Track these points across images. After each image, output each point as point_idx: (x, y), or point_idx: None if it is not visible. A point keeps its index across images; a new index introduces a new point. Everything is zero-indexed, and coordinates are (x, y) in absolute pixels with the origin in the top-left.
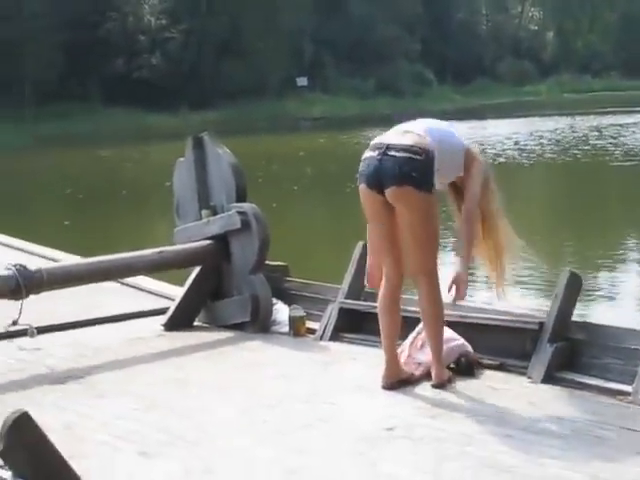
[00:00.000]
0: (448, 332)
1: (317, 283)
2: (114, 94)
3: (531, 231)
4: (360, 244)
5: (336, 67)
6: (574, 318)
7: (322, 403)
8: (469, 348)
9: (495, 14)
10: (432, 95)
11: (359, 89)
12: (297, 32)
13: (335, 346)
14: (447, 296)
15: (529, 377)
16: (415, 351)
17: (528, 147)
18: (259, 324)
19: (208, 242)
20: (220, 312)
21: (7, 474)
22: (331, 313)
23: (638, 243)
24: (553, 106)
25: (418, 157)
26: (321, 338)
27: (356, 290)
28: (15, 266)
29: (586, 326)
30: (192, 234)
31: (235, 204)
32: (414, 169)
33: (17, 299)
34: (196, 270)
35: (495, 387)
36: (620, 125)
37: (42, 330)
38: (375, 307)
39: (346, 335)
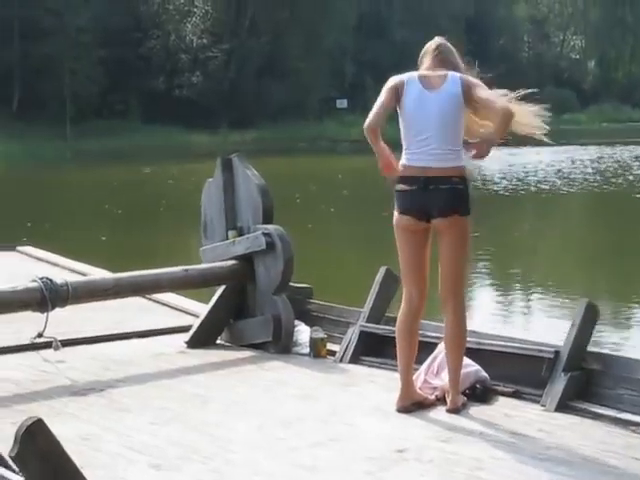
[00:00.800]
0: (463, 359)
1: (339, 306)
2: (154, 112)
3: (562, 258)
4: (383, 269)
5: (376, 89)
6: (590, 348)
7: (337, 423)
8: (484, 374)
9: (536, 42)
10: None
11: None
12: (338, 53)
13: (354, 368)
14: (467, 155)
15: (543, 405)
16: (431, 376)
17: (571, 175)
18: (281, 345)
19: (233, 262)
20: (243, 332)
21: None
22: (352, 336)
23: None
24: (593, 135)
25: (460, 187)
26: (341, 360)
27: (377, 314)
28: (42, 279)
29: (601, 356)
30: (218, 254)
31: (261, 225)
32: (459, 198)
33: (43, 312)
34: (220, 289)
35: (508, 414)
36: None
37: (67, 343)
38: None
39: (366, 358)
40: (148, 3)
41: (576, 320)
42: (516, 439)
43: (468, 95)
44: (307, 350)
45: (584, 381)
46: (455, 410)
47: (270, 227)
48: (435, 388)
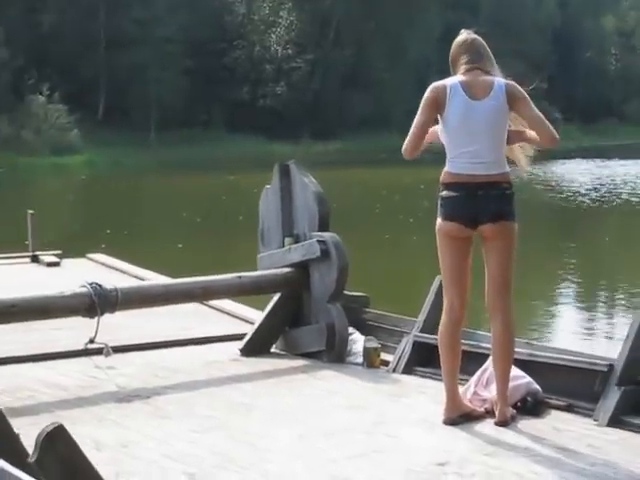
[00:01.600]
0: (514, 370)
1: (394, 315)
2: (238, 121)
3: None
4: (437, 278)
5: None
6: None
7: (381, 434)
8: (536, 386)
9: (624, 54)
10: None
11: None
12: (423, 64)
13: (406, 379)
14: None
15: (596, 420)
16: (481, 388)
17: None
18: (334, 353)
19: (288, 269)
20: (297, 340)
21: None
22: (405, 346)
23: None
24: None
25: (507, 192)
26: (394, 370)
27: (431, 324)
28: (91, 284)
29: None
30: (274, 261)
31: (316, 233)
32: (507, 204)
33: (92, 317)
34: (276, 297)
35: (558, 428)
36: None
37: (120, 349)
38: None
39: (419, 369)
40: (233, 14)
41: (630, 333)
42: (562, 454)
43: (512, 106)
44: (361, 359)
45: (639, 396)
46: (503, 423)
47: (325, 235)
48: (485, 400)
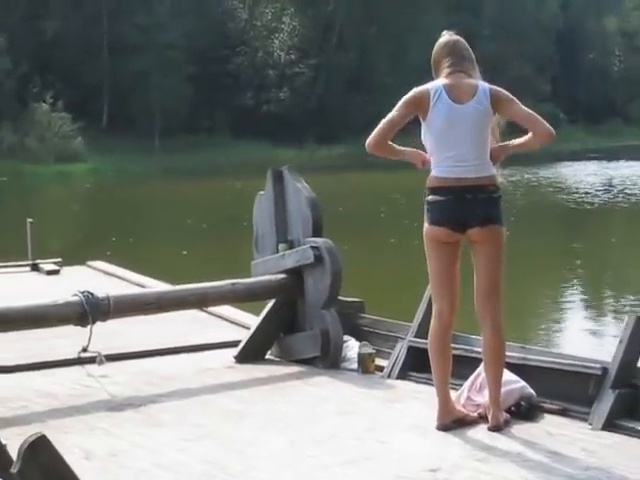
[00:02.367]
0: (507, 374)
1: (389, 320)
2: (241, 127)
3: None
4: None
5: None
6: None
7: (373, 440)
8: (530, 390)
9: (627, 54)
10: (562, 135)
11: None
12: (426, 68)
13: (401, 384)
14: None
15: (590, 423)
16: (474, 393)
17: None
18: (329, 359)
19: (282, 276)
20: (292, 346)
21: None
22: (400, 351)
23: None
24: None
25: (494, 195)
26: (389, 376)
27: (426, 328)
28: (83, 293)
29: None
30: (269, 267)
31: (310, 238)
32: (495, 207)
33: (84, 325)
34: (270, 303)
35: (551, 432)
36: None
37: (113, 358)
38: None
39: (413, 374)
40: (236, 20)
41: (624, 336)
42: (554, 459)
43: (499, 109)
44: (356, 365)
45: (633, 398)
46: (496, 428)
47: (319, 240)
48: (478, 405)
